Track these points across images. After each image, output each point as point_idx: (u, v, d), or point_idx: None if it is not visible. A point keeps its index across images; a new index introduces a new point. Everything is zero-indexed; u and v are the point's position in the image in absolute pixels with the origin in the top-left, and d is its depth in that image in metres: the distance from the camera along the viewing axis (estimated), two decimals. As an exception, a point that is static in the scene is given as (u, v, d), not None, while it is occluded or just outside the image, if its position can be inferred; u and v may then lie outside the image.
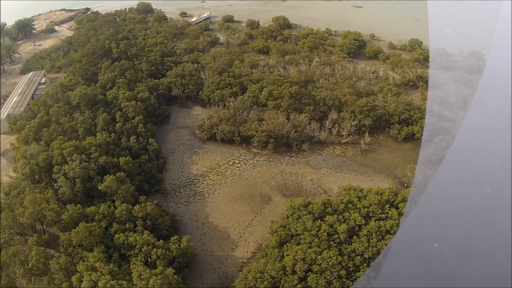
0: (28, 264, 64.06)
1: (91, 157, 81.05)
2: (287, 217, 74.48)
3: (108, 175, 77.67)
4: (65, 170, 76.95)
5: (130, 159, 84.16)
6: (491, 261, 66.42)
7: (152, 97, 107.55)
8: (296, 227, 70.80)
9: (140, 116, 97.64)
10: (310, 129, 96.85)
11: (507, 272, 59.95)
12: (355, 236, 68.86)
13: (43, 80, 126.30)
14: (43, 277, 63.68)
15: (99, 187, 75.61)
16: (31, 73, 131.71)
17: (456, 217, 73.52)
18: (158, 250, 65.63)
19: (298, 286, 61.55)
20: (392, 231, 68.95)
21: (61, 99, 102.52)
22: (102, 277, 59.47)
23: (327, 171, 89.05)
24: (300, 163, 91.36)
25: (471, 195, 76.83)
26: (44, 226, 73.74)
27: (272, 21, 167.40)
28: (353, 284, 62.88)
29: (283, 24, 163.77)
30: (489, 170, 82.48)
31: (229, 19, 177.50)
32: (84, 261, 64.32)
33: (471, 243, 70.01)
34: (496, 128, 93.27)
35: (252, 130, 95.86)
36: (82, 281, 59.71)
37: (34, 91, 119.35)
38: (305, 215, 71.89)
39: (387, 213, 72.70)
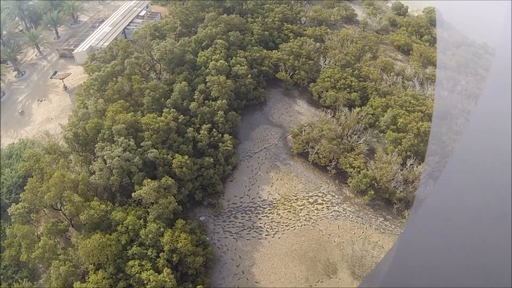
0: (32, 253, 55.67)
1: (141, 144, 64.26)
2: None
3: (148, 179, 60.44)
4: (103, 156, 61.18)
5: (187, 160, 65.42)
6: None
7: (249, 75, 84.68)
8: None
9: (224, 100, 76.69)
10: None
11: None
12: None
13: (143, 13, 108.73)
14: (44, 274, 55.60)
15: (132, 195, 59.02)
16: (134, 0, 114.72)
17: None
18: (167, 307, 49.15)
19: None
20: None
21: (144, 46, 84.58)
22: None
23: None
24: (393, 233, 66.67)
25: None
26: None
27: (422, 11, 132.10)
28: None
29: (433, 19, 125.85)
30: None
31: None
32: (84, 280, 53.63)
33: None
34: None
35: (354, 169, 72.00)
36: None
37: (128, 24, 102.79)
38: None
39: None
